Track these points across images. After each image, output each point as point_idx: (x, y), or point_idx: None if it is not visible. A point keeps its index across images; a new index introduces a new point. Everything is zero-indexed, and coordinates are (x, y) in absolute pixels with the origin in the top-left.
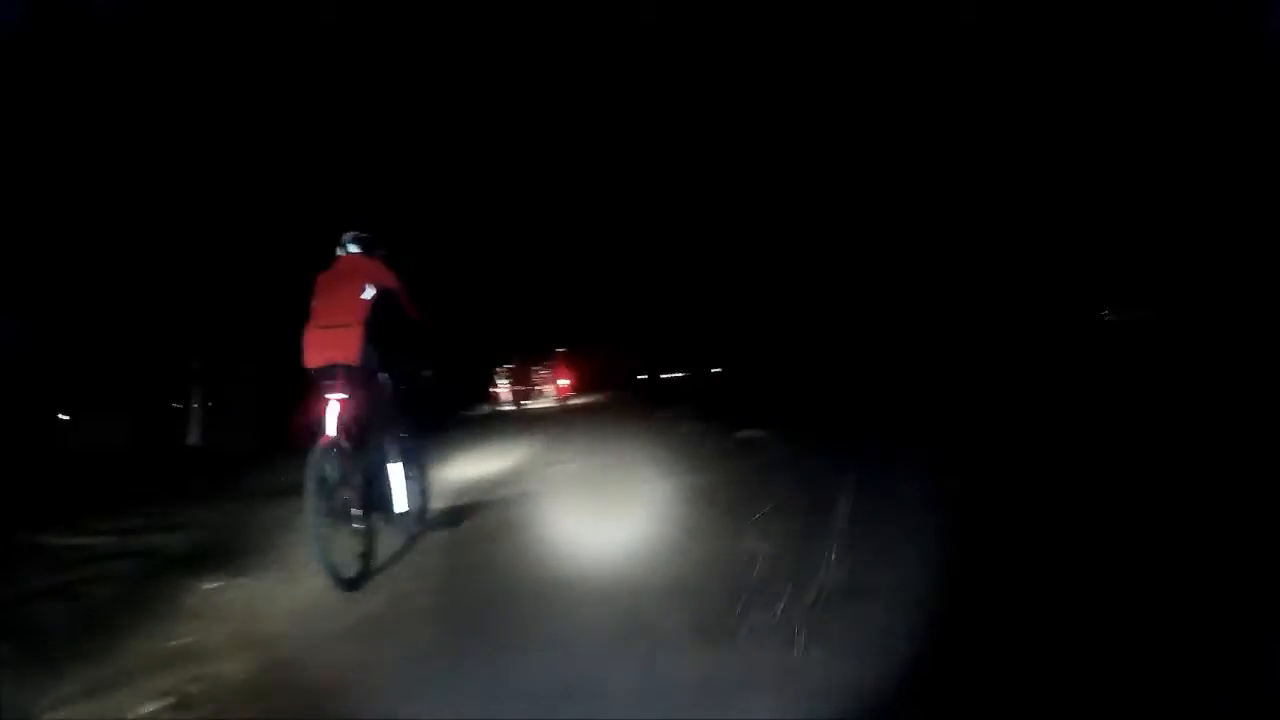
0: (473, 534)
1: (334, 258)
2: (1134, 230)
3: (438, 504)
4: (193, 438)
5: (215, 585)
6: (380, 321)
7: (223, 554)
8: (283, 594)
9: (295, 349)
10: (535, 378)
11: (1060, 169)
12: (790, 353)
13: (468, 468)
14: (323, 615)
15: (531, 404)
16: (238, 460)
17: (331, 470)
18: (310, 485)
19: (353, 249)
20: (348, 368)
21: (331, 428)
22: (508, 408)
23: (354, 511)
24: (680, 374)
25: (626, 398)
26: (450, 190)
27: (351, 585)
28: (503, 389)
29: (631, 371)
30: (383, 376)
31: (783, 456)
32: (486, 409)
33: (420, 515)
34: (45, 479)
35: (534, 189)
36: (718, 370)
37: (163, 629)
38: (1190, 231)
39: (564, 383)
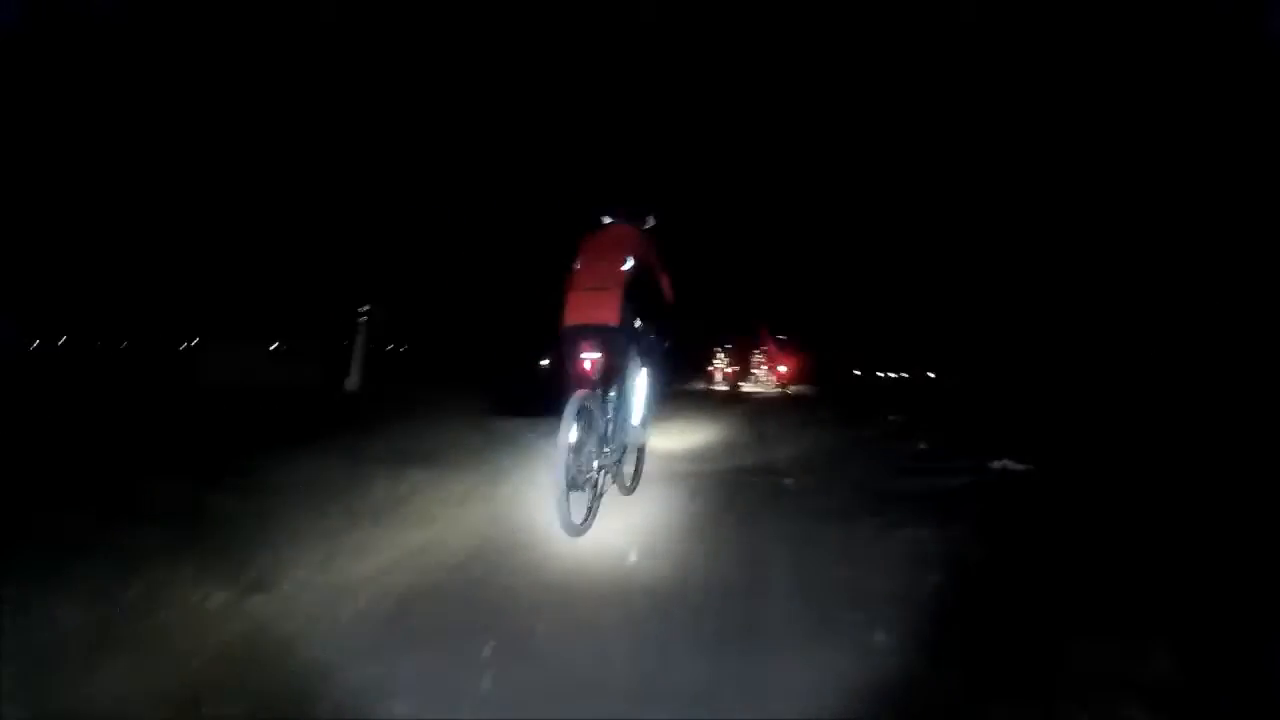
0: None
1: (601, 224)
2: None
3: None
4: (351, 383)
5: (220, 600)
6: (638, 290)
7: (271, 545)
8: (301, 633)
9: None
10: (753, 361)
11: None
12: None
13: (679, 441)
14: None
15: (747, 387)
16: (394, 414)
17: (583, 422)
18: (562, 435)
19: (620, 219)
20: (606, 328)
21: (586, 383)
22: (722, 387)
23: (594, 464)
24: (897, 374)
25: (842, 393)
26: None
27: (577, 533)
28: (720, 368)
29: (847, 366)
30: (636, 342)
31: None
32: (700, 385)
33: (637, 477)
34: (179, 418)
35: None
36: (931, 375)
37: (74, 675)
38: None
39: (783, 369)
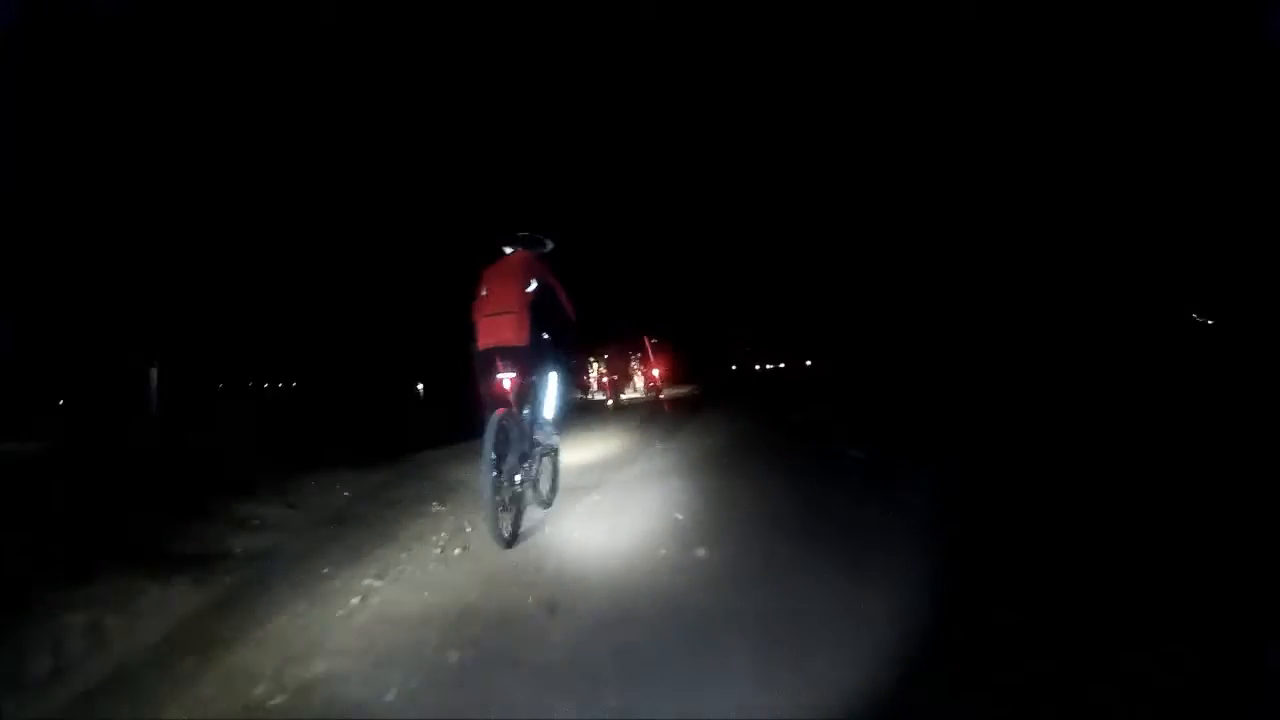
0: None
1: (500, 253)
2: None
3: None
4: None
5: None
6: (541, 311)
7: None
8: None
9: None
10: (628, 368)
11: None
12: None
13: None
14: None
15: (624, 395)
16: (200, 471)
17: (502, 440)
18: (485, 453)
19: (519, 247)
20: (516, 349)
21: (503, 402)
22: (600, 397)
23: (516, 479)
24: (774, 366)
25: (718, 393)
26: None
27: (508, 544)
28: (597, 379)
29: (721, 363)
30: (544, 359)
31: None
32: (579, 397)
33: (554, 489)
34: None
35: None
36: (809, 362)
37: None
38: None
39: (656, 373)
